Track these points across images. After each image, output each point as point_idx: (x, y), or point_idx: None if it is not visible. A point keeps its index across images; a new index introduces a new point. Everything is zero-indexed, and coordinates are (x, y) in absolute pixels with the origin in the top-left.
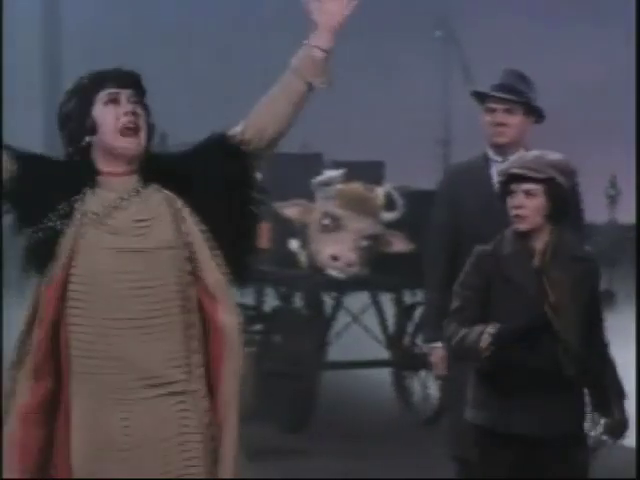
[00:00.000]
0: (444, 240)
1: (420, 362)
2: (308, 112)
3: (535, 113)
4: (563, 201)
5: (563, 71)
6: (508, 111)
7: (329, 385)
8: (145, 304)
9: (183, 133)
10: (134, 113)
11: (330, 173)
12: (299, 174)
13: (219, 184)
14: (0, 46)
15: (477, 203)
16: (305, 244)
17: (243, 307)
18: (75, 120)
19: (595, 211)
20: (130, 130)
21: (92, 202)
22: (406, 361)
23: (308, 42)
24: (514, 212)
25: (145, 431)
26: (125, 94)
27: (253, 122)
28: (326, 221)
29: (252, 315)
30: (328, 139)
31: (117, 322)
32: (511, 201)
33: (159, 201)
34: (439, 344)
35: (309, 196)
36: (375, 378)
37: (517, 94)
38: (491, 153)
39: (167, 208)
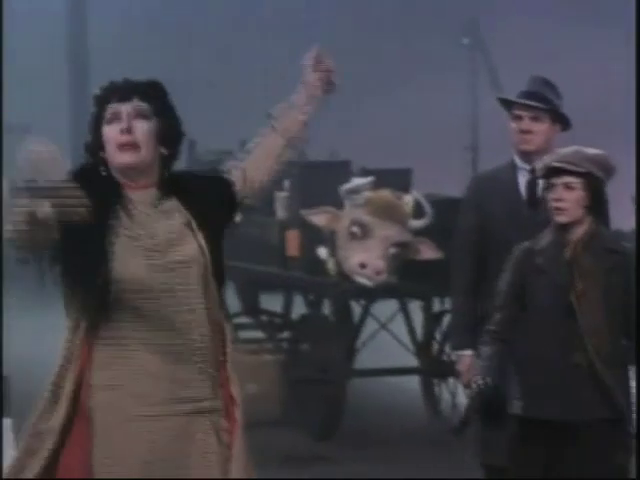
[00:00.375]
0: (470, 245)
1: (449, 370)
2: (336, 120)
3: (562, 120)
4: (601, 195)
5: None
6: (534, 119)
7: (357, 392)
8: (177, 315)
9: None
10: (129, 130)
11: (358, 181)
12: (327, 182)
13: (212, 219)
14: (0, 44)
15: (504, 209)
16: (333, 251)
17: (271, 314)
18: (91, 135)
19: (621, 217)
20: (126, 146)
21: (120, 217)
22: (434, 369)
23: (294, 103)
24: (554, 205)
25: (170, 446)
26: (126, 109)
27: (251, 178)
28: (354, 228)
29: (280, 322)
30: (356, 147)
31: (148, 334)
32: (551, 194)
33: (181, 219)
34: (467, 352)
35: (337, 204)
36: (403, 385)
37: (543, 102)
38: (518, 160)
39: (187, 227)
